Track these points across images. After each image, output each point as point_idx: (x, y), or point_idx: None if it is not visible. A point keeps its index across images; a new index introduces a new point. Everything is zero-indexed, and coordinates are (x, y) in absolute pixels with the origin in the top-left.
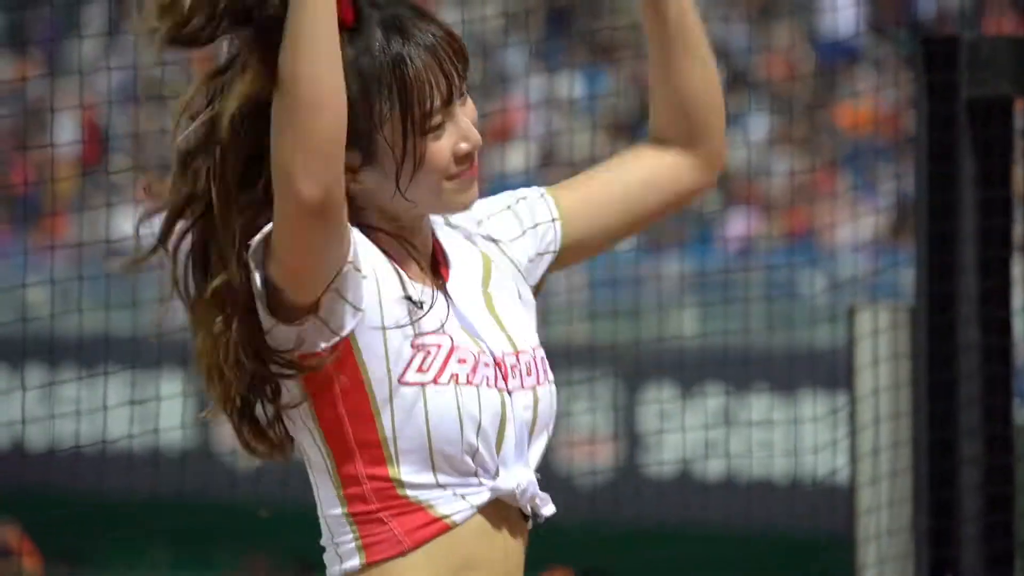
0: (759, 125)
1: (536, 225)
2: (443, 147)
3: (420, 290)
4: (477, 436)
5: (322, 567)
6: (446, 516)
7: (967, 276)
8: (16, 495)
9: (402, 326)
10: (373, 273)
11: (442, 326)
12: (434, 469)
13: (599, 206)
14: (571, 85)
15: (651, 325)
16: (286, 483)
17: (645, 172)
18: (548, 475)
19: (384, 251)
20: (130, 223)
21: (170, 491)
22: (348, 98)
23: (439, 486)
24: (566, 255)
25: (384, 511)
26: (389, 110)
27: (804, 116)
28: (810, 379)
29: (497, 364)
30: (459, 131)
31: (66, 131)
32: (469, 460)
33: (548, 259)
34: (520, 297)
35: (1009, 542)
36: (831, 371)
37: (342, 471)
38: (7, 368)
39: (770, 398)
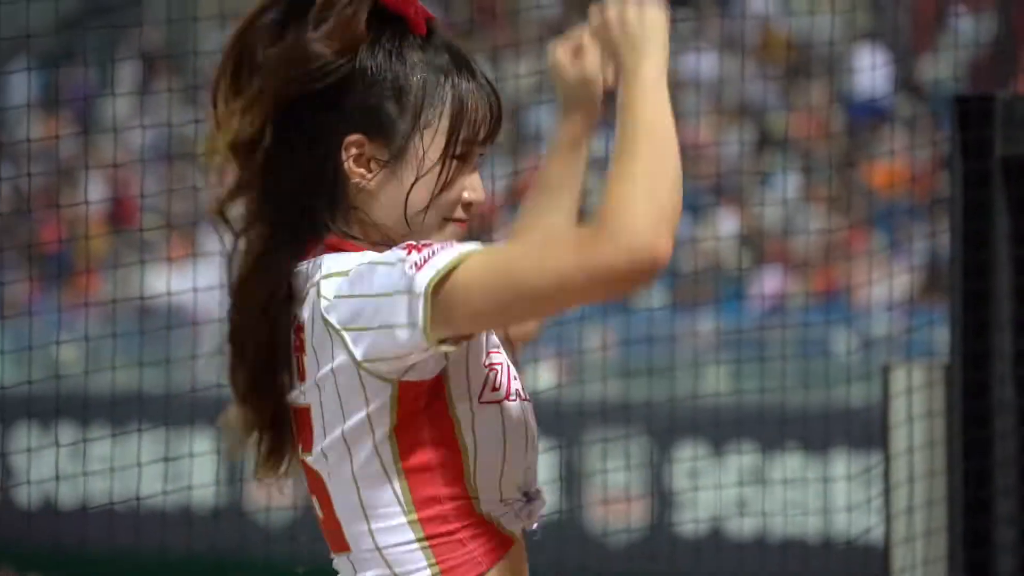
0: (792, 183)
1: None
2: (461, 183)
3: None
4: (534, 450)
5: None
6: (512, 533)
7: (1002, 334)
8: (49, 553)
9: (478, 347)
10: None
11: (498, 344)
12: (501, 487)
13: None
14: (603, 144)
15: (684, 383)
16: (320, 539)
17: None
18: (581, 533)
19: None
20: (162, 280)
21: (203, 548)
22: (404, 88)
23: (503, 502)
24: None
25: (463, 531)
26: (438, 118)
27: (837, 175)
28: (843, 438)
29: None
30: (474, 181)
31: (98, 189)
32: (522, 475)
33: None
34: None
35: None
36: (864, 430)
37: (417, 494)
38: (39, 426)
39: (803, 457)
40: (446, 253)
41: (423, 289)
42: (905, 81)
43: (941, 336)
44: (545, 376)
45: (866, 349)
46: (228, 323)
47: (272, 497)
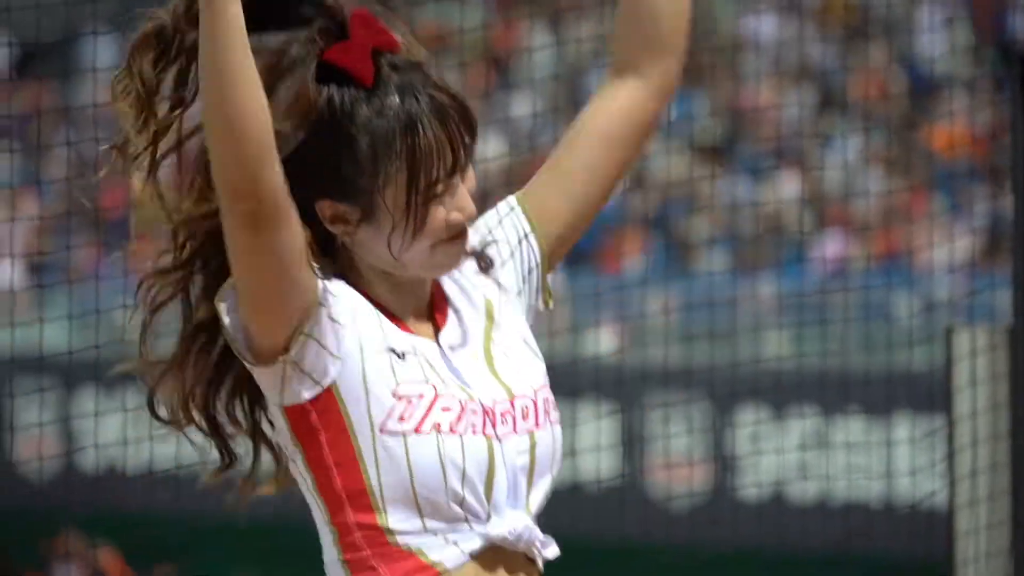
0: (852, 146)
1: (518, 244)
2: (439, 214)
3: (407, 339)
4: (462, 484)
5: None
6: (437, 563)
7: None
8: (115, 518)
9: (383, 376)
10: (353, 323)
11: (425, 377)
12: (421, 515)
13: (569, 189)
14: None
15: (746, 347)
16: None
17: (601, 130)
18: (644, 497)
19: (375, 301)
20: None
21: (267, 512)
22: (357, 148)
23: (428, 531)
24: (556, 249)
25: (375, 558)
26: (396, 173)
27: (897, 137)
28: (906, 401)
29: (486, 411)
30: (456, 201)
31: None
32: (456, 507)
33: (537, 271)
34: (523, 338)
35: None
36: (927, 393)
37: (335, 520)
38: (105, 390)
39: (866, 420)
40: None
41: (225, 298)
42: (966, 42)
43: (1003, 299)
44: (607, 341)
45: (928, 312)
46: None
47: None
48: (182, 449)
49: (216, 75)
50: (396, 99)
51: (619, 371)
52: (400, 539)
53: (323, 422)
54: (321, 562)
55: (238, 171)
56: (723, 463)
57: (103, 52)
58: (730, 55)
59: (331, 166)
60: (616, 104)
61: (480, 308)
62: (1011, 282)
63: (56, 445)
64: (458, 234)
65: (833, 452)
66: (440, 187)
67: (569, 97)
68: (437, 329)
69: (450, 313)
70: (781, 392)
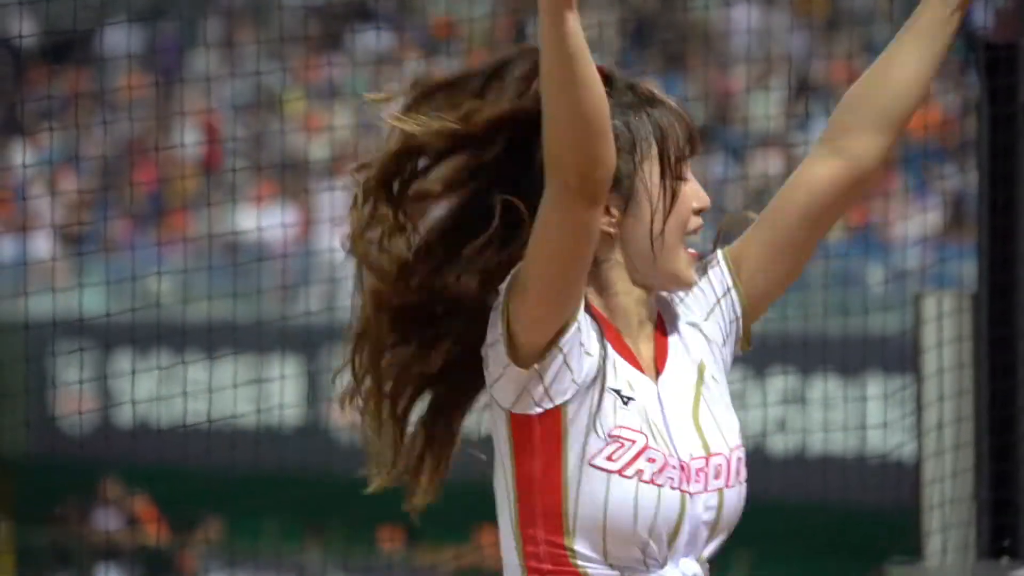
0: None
1: (720, 299)
2: (688, 194)
3: (634, 379)
4: (650, 532)
5: None
6: None
7: None
8: (147, 470)
9: (606, 415)
10: (598, 356)
11: (640, 425)
12: (605, 549)
13: (770, 258)
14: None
15: None
16: None
17: (803, 209)
18: None
19: (610, 334)
20: (249, 219)
21: (292, 464)
22: (618, 138)
23: (608, 564)
24: (756, 306)
25: (552, 574)
26: (647, 150)
27: None
28: (878, 361)
29: (683, 467)
30: (695, 190)
31: (190, 135)
32: (638, 551)
33: (738, 324)
34: (726, 397)
35: None
36: (898, 354)
37: (524, 529)
38: (140, 351)
39: (841, 379)
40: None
41: (501, 300)
42: None
43: (968, 268)
44: None
45: (898, 280)
46: None
47: (353, 417)
48: (212, 406)
49: (573, 85)
50: (631, 93)
51: None
52: (581, 563)
53: (542, 438)
54: (358, 514)
55: (590, 149)
56: None
57: (135, 41)
58: (706, 45)
59: None
60: (821, 182)
61: (695, 361)
62: (975, 252)
63: (94, 401)
64: (700, 225)
65: (810, 408)
66: (685, 162)
67: None
68: (658, 370)
69: (671, 356)
70: (763, 353)
